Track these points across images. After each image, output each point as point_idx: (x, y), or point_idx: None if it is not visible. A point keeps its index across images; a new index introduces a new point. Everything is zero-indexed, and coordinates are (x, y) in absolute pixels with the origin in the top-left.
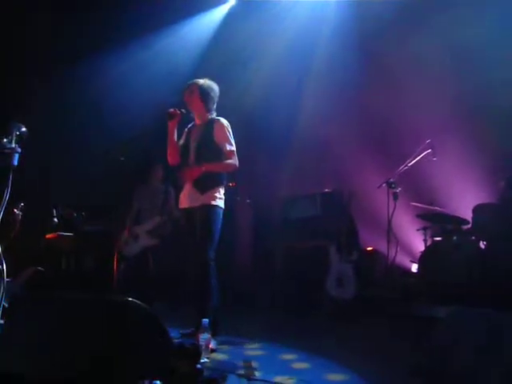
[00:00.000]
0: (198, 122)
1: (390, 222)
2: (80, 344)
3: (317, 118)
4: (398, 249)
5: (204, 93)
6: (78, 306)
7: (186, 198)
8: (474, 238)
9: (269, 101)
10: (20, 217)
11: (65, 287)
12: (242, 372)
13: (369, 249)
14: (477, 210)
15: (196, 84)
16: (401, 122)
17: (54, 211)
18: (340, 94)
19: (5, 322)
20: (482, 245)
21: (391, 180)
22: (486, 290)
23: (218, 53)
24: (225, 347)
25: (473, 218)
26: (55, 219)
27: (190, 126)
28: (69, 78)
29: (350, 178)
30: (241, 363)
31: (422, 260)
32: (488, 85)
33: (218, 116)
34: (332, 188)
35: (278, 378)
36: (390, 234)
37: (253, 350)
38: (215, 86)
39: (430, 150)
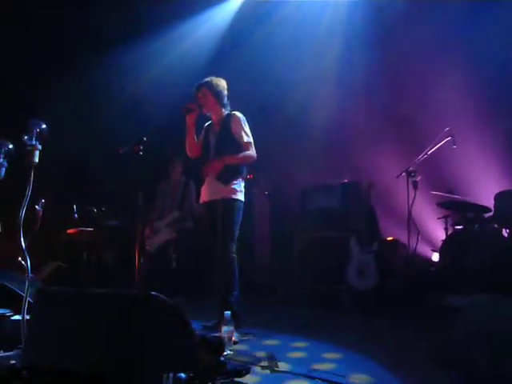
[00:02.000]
0: (215, 119)
1: (410, 211)
2: (103, 338)
3: (334, 108)
4: (419, 238)
5: (216, 91)
6: (101, 300)
7: (207, 192)
8: (496, 225)
9: (285, 91)
10: (41, 213)
11: (86, 282)
12: (265, 364)
13: (389, 239)
14: (499, 196)
15: (205, 85)
16: (420, 110)
17: (75, 207)
18: (358, 83)
19: (30, 316)
20: (504, 232)
21: (411, 169)
22: (509, 279)
23: (233, 44)
24: (247, 339)
25: (495, 206)
26: (76, 215)
27: (207, 123)
28: (89, 75)
29: (370, 168)
30: (263, 355)
31: (444, 249)
32: (508, 69)
33: (233, 110)
34: (351, 178)
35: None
36: (411, 224)
37: (276, 342)
38: (223, 81)
39: (449, 138)
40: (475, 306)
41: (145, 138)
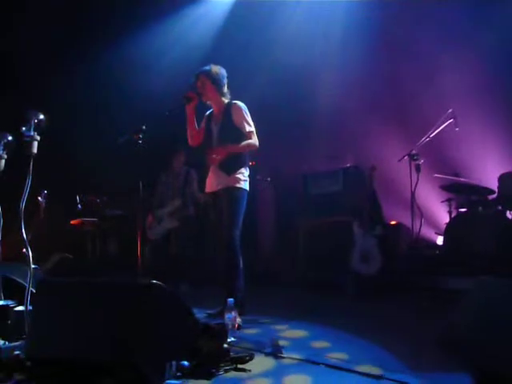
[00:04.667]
0: (215, 108)
1: (413, 194)
2: (106, 327)
3: (336, 92)
4: (423, 221)
5: (215, 80)
6: (103, 289)
7: (212, 182)
8: (500, 207)
9: (287, 77)
10: (44, 204)
11: (91, 271)
12: (269, 350)
13: (393, 223)
14: (503, 178)
15: (204, 73)
16: (422, 92)
17: (78, 198)
18: (359, 67)
19: (32, 307)
20: (509, 215)
21: (413, 152)
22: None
23: (231, 34)
24: (251, 326)
25: (499, 188)
26: (79, 205)
27: (208, 112)
28: (89, 65)
29: (372, 152)
30: (268, 342)
31: (448, 232)
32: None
33: (233, 100)
34: (353, 162)
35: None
36: (414, 207)
37: (280, 329)
38: (222, 70)
39: (452, 120)
40: (479, 287)
41: (144, 127)
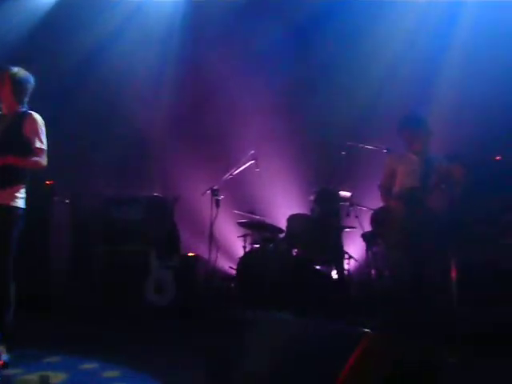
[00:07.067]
0: (5, 111)
1: (211, 228)
2: None
3: (149, 120)
4: (219, 255)
5: (17, 83)
6: None
7: None
8: (287, 245)
9: (94, 95)
10: None
11: None
12: None
13: (190, 254)
14: (291, 219)
15: (8, 72)
16: (229, 130)
17: None
18: (172, 100)
19: None
20: (293, 252)
21: (215, 187)
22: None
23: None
24: (21, 361)
25: (287, 227)
26: None
27: None
28: None
29: (176, 183)
30: (36, 377)
31: (240, 266)
32: (309, 104)
33: (30, 110)
34: (157, 191)
35: None
36: (212, 241)
37: (52, 362)
38: (31, 79)
39: (253, 161)
40: (257, 321)
41: None
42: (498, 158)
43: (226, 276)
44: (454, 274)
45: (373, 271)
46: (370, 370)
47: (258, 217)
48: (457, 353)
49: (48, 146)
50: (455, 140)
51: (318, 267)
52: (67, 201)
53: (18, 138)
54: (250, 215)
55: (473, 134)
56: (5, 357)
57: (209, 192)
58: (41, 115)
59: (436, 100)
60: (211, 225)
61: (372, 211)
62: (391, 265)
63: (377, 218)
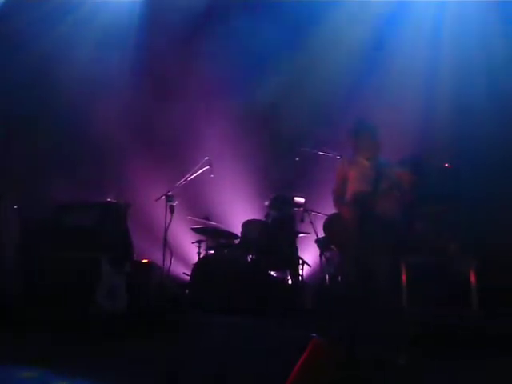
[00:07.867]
0: None
1: (166, 234)
2: None
3: (103, 125)
4: (173, 261)
5: None
6: None
7: None
8: (241, 251)
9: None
10: None
11: None
12: None
13: (144, 261)
14: (245, 225)
15: None
16: (184, 136)
17: None
18: (126, 105)
19: None
20: (248, 258)
21: (170, 193)
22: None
23: None
24: None
25: (242, 233)
26: None
27: None
28: None
29: (130, 189)
30: None
31: (194, 272)
32: (264, 110)
33: None
34: (110, 197)
35: None
36: (166, 247)
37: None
38: None
39: (208, 167)
40: (193, 324)
41: None
42: (447, 164)
43: (180, 282)
44: (403, 276)
45: (326, 276)
46: (317, 373)
47: (212, 223)
48: (406, 354)
49: None
50: (409, 146)
51: (272, 273)
52: (16, 207)
53: None
54: (204, 221)
55: (426, 141)
56: None
57: (163, 198)
58: None
59: (393, 106)
60: (165, 231)
61: (325, 217)
62: (343, 269)
63: (329, 224)
